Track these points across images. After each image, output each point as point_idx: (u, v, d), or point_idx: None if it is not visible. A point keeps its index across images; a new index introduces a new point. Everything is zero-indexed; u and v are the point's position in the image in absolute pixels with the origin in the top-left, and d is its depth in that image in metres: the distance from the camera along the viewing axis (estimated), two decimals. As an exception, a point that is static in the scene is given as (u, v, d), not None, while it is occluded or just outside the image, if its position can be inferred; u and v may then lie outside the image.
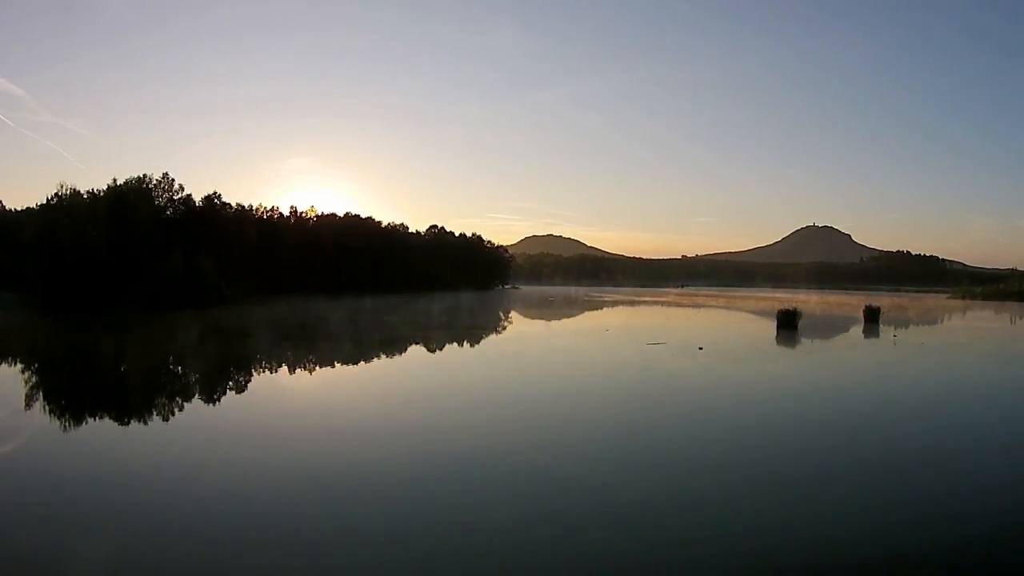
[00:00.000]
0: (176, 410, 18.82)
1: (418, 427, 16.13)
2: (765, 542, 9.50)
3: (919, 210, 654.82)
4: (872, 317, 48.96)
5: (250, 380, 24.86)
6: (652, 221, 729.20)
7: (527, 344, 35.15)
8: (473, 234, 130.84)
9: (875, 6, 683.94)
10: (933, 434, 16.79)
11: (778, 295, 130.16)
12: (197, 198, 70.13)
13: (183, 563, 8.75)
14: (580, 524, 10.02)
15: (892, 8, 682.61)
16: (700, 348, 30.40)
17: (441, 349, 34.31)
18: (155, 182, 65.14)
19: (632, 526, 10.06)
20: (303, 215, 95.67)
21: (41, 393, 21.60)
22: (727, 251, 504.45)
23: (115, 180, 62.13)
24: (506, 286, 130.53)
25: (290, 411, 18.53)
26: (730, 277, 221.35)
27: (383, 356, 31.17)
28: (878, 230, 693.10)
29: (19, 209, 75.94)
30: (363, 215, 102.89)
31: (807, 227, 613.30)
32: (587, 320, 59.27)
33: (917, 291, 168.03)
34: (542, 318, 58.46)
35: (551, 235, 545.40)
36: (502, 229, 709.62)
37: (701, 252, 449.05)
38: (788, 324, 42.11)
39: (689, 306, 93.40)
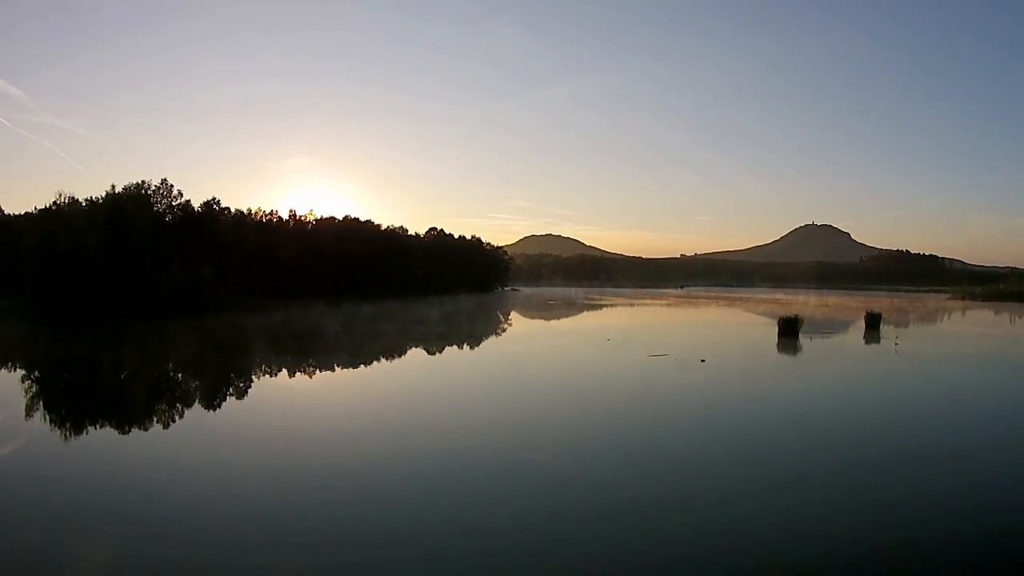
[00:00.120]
0: (174, 424, 18.64)
1: (409, 446, 15.99)
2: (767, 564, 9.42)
3: (918, 208, 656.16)
4: (873, 324, 48.85)
5: (246, 394, 24.74)
6: (651, 220, 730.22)
7: (526, 357, 34.91)
8: (472, 236, 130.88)
9: (874, 4, 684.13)
10: (933, 452, 16.81)
11: (777, 296, 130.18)
12: (196, 202, 69.85)
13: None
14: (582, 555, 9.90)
15: (891, 6, 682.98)
16: (703, 360, 30.24)
17: (436, 361, 34.11)
18: (153, 188, 64.94)
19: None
20: (302, 219, 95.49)
21: (40, 403, 21.62)
22: (726, 250, 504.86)
23: (113, 187, 61.90)
24: (505, 288, 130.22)
25: (283, 429, 18.31)
26: (729, 277, 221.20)
27: (377, 372, 30.89)
28: (877, 228, 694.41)
29: (18, 214, 76.05)
30: (363, 215, 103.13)
31: (806, 225, 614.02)
32: (587, 326, 59.16)
33: (916, 291, 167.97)
34: (541, 326, 58.25)
35: (550, 234, 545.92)
36: (501, 228, 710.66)
37: (700, 251, 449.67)
38: (789, 332, 42.04)
39: (690, 310, 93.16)
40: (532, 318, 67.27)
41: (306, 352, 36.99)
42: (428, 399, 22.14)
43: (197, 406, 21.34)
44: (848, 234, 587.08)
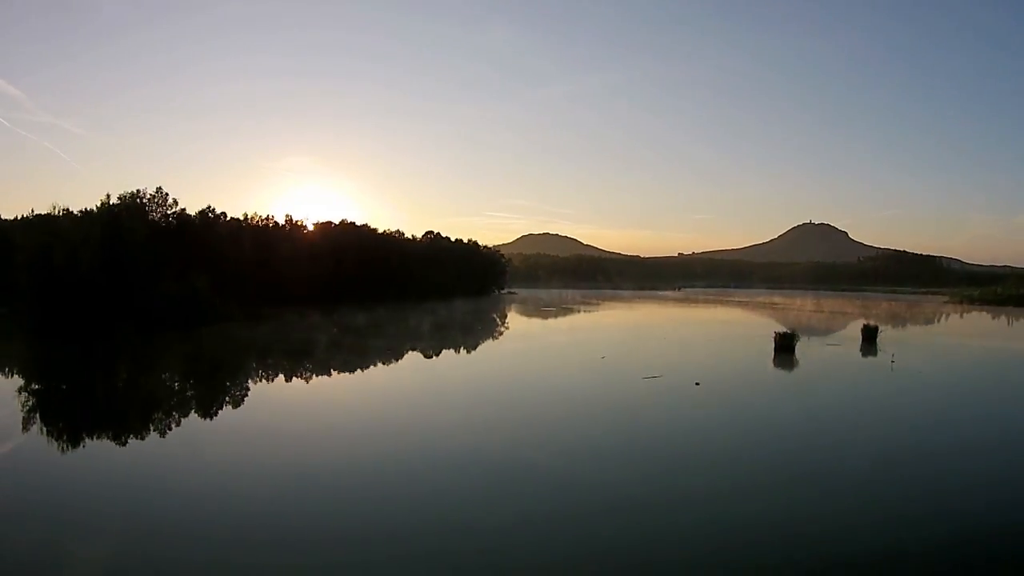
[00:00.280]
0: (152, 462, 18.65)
1: (392, 469, 16.01)
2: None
3: (916, 207, 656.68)
4: (870, 337, 48.80)
5: (216, 415, 24.68)
6: (648, 218, 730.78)
7: (516, 380, 34.52)
8: (469, 240, 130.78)
9: (873, 3, 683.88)
10: (924, 480, 16.96)
11: (775, 300, 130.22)
12: (192, 208, 70.05)
13: None
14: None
15: (890, 5, 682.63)
16: (697, 383, 30.13)
17: (421, 385, 33.79)
18: (149, 196, 64.82)
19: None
20: (298, 224, 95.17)
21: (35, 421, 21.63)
22: (724, 248, 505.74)
23: (108, 196, 61.62)
24: (503, 291, 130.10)
25: (266, 460, 18.25)
26: (727, 278, 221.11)
27: (361, 398, 30.78)
28: (875, 227, 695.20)
29: (11, 219, 75.79)
30: (360, 214, 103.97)
31: (804, 224, 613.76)
32: (583, 338, 58.93)
33: (914, 292, 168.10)
34: (535, 341, 57.84)
35: (547, 233, 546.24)
36: (499, 227, 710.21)
37: (698, 249, 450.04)
38: (785, 348, 42.00)
39: (687, 319, 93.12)
40: (526, 330, 66.66)
41: (288, 376, 36.80)
42: (410, 433, 21.94)
43: (177, 439, 21.24)
44: (846, 233, 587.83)
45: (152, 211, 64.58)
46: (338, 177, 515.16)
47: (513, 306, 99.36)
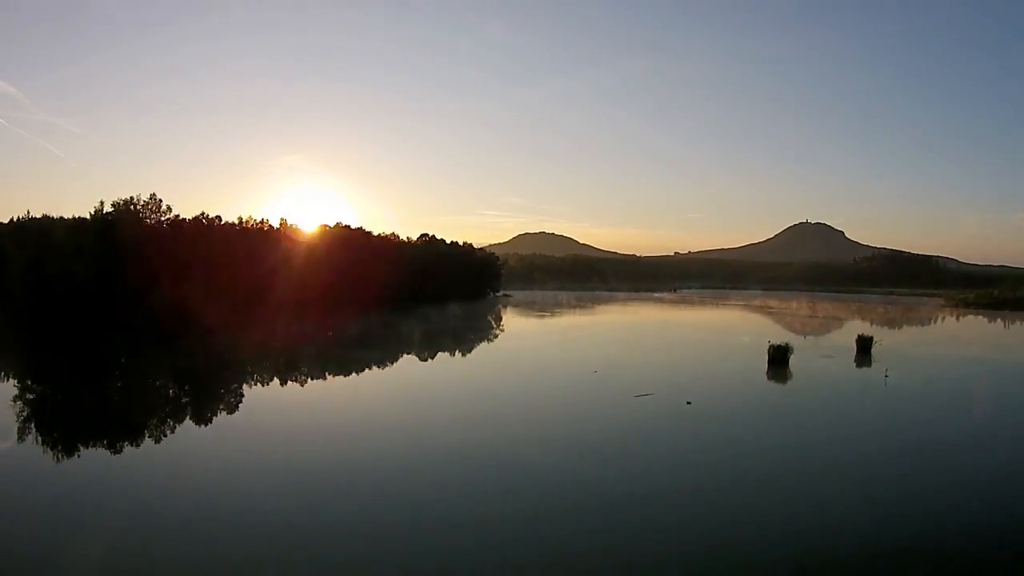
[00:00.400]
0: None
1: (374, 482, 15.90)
2: None
3: (912, 206, 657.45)
4: (864, 348, 48.75)
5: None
6: (644, 217, 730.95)
7: (504, 397, 33.96)
8: (464, 242, 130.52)
9: (867, 2, 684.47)
10: (915, 515, 16.93)
11: (771, 303, 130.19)
12: (190, 205, 70.81)
13: None
14: None
15: (885, 4, 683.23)
16: (688, 403, 30.06)
17: (409, 404, 33.44)
18: (142, 203, 64.45)
19: None
20: (293, 228, 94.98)
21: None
22: (720, 248, 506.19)
23: (102, 203, 61.44)
24: (498, 294, 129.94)
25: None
26: (722, 279, 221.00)
27: (325, 431, 30.57)
28: (871, 226, 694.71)
29: (9, 221, 75.51)
30: (355, 213, 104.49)
31: (800, 223, 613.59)
32: (575, 347, 58.50)
33: (910, 294, 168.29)
34: (527, 351, 57.23)
35: (543, 232, 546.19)
36: (495, 226, 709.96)
37: (694, 248, 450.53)
38: (779, 361, 41.94)
39: (681, 324, 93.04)
40: (517, 342, 65.54)
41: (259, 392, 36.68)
42: (391, 452, 21.86)
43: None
44: (842, 232, 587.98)
45: (147, 217, 64.23)
46: (335, 175, 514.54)
47: (507, 311, 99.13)
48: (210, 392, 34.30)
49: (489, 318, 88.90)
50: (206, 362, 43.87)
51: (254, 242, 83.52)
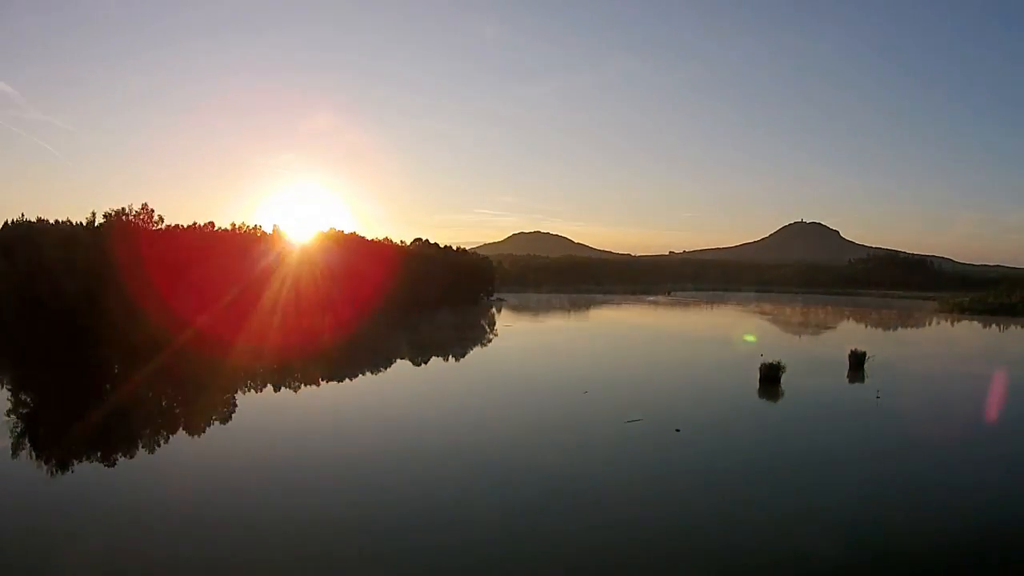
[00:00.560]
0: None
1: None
2: None
3: (907, 206, 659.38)
4: (858, 363, 48.76)
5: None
6: (640, 216, 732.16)
7: (491, 418, 33.30)
8: (458, 247, 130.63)
9: (864, 2, 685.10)
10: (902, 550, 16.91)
11: (765, 307, 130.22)
12: (186, 204, 71.75)
13: None
14: None
15: (881, 4, 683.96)
16: (677, 430, 29.96)
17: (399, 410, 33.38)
18: (134, 214, 64.19)
19: None
20: (287, 233, 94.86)
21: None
22: (715, 247, 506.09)
23: (93, 214, 61.49)
24: (491, 298, 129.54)
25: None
26: (717, 280, 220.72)
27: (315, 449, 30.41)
28: (866, 226, 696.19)
29: (2, 225, 74.94)
30: (351, 212, 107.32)
31: (795, 223, 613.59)
32: (565, 364, 57.79)
33: (905, 297, 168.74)
34: (516, 364, 56.54)
35: (538, 231, 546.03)
36: (490, 225, 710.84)
37: (689, 247, 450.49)
38: (771, 379, 41.89)
39: (674, 331, 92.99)
40: (507, 354, 64.80)
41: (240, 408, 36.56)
42: (365, 476, 21.70)
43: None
44: (837, 232, 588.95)
45: (140, 223, 63.91)
46: (326, 174, 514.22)
47: (500, 317, 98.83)
48: (205, 400, 34.43)
49: (480, 326, 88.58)
50: (199, 371, 43.94)
51: (248, 247, 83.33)
